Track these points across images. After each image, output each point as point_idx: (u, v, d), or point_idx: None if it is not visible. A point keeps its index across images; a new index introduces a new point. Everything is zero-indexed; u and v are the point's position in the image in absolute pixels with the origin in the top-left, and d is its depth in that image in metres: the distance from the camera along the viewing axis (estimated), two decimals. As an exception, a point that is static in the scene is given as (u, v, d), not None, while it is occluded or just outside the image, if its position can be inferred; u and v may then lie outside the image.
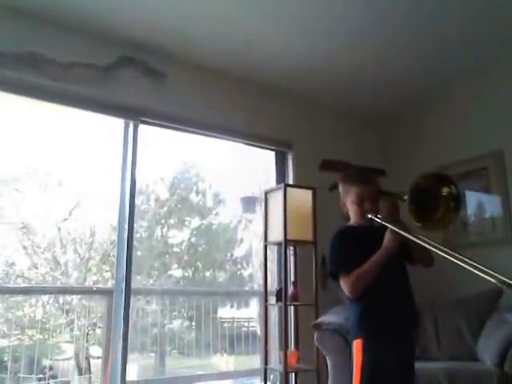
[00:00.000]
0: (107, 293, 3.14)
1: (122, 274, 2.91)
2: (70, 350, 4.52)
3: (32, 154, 4.12)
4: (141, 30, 3.01)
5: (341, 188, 2.15)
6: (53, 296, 4.43)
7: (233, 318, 4.83)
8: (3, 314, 4.60)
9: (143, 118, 3.18)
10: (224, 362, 4.56)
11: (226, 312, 4.92)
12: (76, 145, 3.99)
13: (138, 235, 4.69)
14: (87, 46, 2.97)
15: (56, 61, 2.70)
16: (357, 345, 1.95)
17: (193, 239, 5.33)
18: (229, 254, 5.39)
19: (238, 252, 5.39)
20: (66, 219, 4.85)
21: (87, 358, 4.43)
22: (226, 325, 4.71)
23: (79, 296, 4.25)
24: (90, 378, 4.40)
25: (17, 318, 4.51)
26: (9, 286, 4.78)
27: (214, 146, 4.03)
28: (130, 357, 3.20)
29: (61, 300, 4.51)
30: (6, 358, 4.36)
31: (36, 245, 4.84)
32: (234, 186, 4.92)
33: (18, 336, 4.45)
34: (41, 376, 4.12)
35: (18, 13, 2.68)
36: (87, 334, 4.46)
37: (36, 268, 4.78)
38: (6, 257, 4.77)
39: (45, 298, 4.49)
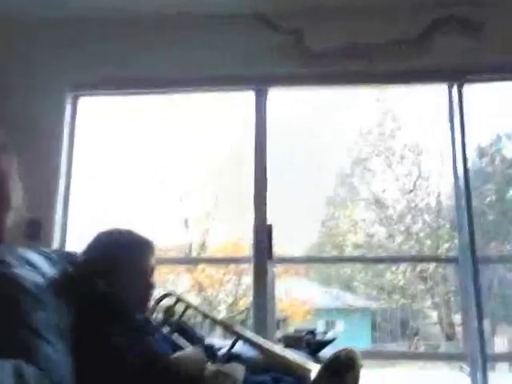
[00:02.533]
0: (455, 260, 3.10)
1: (466, 241, 2.80)
2: (433, 315, 4.68)
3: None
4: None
5: None
6: (409, 264, 4.69)
7: None
8: (371, 281, 5.21)
9: (468, 77, 2.95)
10: None
11: None
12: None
13: (488, 199, 4.37)
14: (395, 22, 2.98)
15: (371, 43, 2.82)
16: None
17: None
18: None
19: None
20: (411, 191, 5.05)
21: (451, 325, 4.47)
22: None
23: (434, 264, 4.34)
24: (458, 343, 4.43)
25: (382, 284, 5.01)
26: (371, 256, 5.37)
27: None
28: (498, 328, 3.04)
29: (418, 268, 4.72)
30: (378, 319, 4.93)
31: (389, 217, 5.22)
32: None
33: (385, 300, 4.94)
34: (409, 337, 4.45)
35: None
36: (447, 301, 4.51)
37: (392, 238, 5.17)
38: (366, 229, 5.38)
39: (403, 265, 4.80)
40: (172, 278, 4.46)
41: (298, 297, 4.63)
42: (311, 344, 1.67)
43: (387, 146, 5.20)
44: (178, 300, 1.53)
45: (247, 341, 1.33)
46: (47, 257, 1.36)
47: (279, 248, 2.64)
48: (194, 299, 4.86)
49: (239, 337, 1.34)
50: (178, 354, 1.27)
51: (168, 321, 1.49)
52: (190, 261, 4.36)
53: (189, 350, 1.35)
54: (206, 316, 1.55)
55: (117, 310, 1.27)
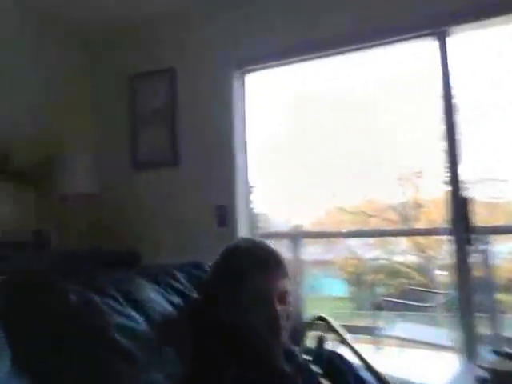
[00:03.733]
0: None
1: None
2: None
3: None
4: None
5: None
6: None
7: None
8: None
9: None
10: None
11: None
12: None
13: None
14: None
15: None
16: None
17: None
18: None
19: None
20: None
21: None
22: None
23: None
24: None
25: None
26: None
27: None
28: None
29: None
30: None
31: None
32: None
33: None
34: None
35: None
36: None
37: None
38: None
39: None
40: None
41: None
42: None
43: None
44: (330, 328, 1.23)
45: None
46: (169, 286, 1.12)
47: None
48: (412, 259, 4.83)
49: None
50: None
51: (319, 356, 1.21)
52: (384, 232, 4.09)
53: None
54: (361, 358, 1.23)
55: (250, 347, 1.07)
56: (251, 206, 2.76)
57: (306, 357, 1.25)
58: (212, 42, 2.75)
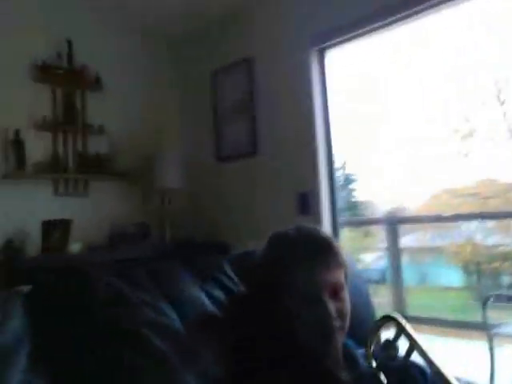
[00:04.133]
0: None
1: None
2: None
3: None
4: None
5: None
6: None
7: None
8: None
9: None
10: None
11: None
12: None
13: None
14: None
15: None
16: None
17: None
18: None
19: None
20: None
21: None
22: None
23: None
24: None
25: None
26: None
27: None
28: None
29: None
30: None
31: None
32: None
33: None
34: None
35: None
36: None
37: None
38: None
39: None
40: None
41: None
42: None
43: None
44: (402, 331, 1.05)
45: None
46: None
47: None
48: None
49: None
50: None
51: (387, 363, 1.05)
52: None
53: None
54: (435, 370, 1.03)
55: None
56: (338, 192, 2.62)
57: (373, 363, 1.10)
58: (286, 21, 2.64)
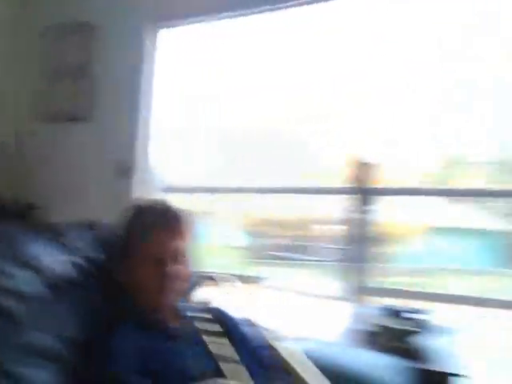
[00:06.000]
0: None
1: None
2: None
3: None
4: None
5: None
6: None
7: None
8: None
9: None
10: None
11: None
12: None
13: None
14: None
15: None
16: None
17: None
18: None
19: None
20: None
21: None
22: None
23: None
24: None
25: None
26: None
27: None
28: None
29: None
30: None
31: None
32: None
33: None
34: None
35: None
36: None
37: None
38: None
39: None
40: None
41: None
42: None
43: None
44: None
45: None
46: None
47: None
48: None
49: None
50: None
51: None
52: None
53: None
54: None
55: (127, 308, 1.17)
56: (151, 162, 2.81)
57: (191, 314, 1.27)
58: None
